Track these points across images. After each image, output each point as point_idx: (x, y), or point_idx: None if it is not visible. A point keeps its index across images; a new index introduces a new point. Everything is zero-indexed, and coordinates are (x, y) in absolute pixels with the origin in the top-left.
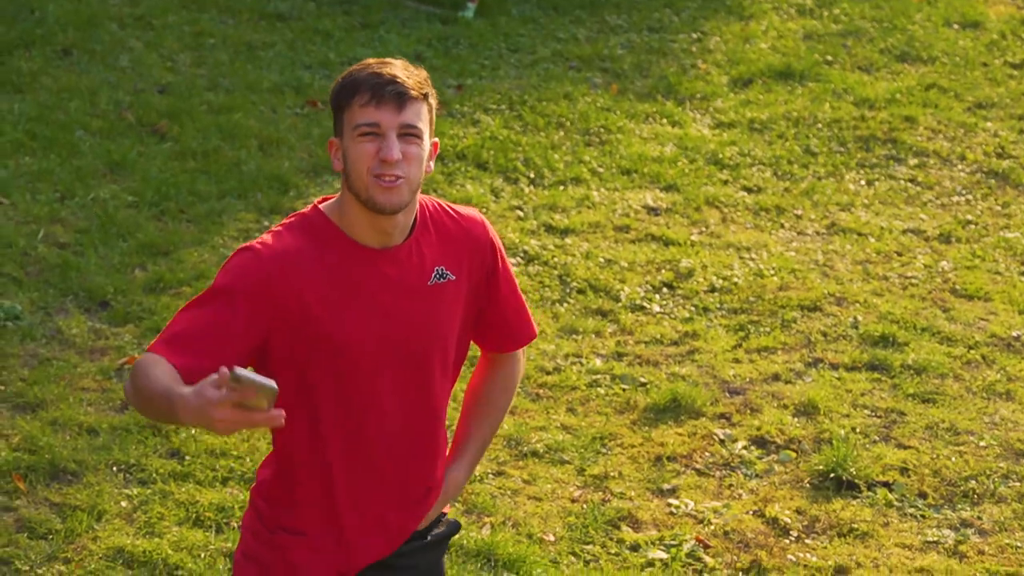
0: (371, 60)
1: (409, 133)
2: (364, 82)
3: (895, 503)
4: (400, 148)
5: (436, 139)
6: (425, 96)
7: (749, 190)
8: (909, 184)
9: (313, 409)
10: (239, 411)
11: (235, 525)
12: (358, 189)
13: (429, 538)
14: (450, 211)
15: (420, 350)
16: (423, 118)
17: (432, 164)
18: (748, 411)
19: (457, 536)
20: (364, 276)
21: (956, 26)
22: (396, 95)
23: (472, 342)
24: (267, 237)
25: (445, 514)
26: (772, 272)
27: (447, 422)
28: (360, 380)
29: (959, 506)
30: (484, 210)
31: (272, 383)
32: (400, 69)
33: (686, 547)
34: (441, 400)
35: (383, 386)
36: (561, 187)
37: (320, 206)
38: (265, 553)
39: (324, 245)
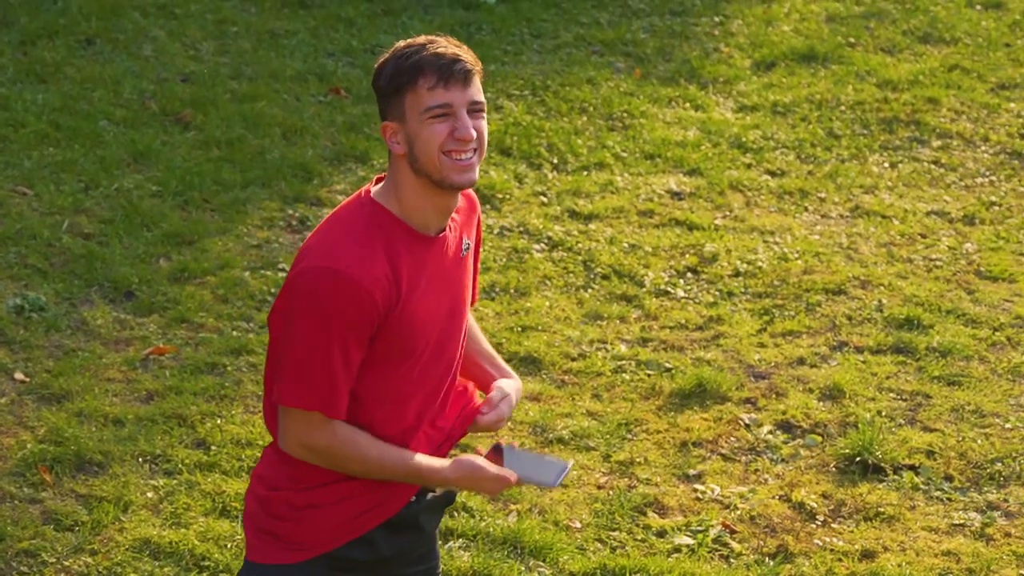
0: (418, 40)
1: (477, 109)
2: (428, 63)
3: (921, 486)
4: (472, 123)
5: None
6: (479, 70)
7: (772, 174)
8: (932, 166)
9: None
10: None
11: None
12: (430, 170)
13: (429, 497)
14: None
15: (458, 313)
16: (482, 91)
17: None
18: (773, 395)
19: (483, 524)
20: (428, 264)
21: (978, 7)
22: (463, 73)
23: None
24: (340, 248)
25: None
26: (796, 256)
27: None
28: (417, 348)
29: (985, 489)
30: (508, 196)
31: (567, 465)
32: (453, 45)
33: (712, 533)
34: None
35: (429, 348)
36: (584, 172)
37: (374, 197)
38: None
39: (392, 239)
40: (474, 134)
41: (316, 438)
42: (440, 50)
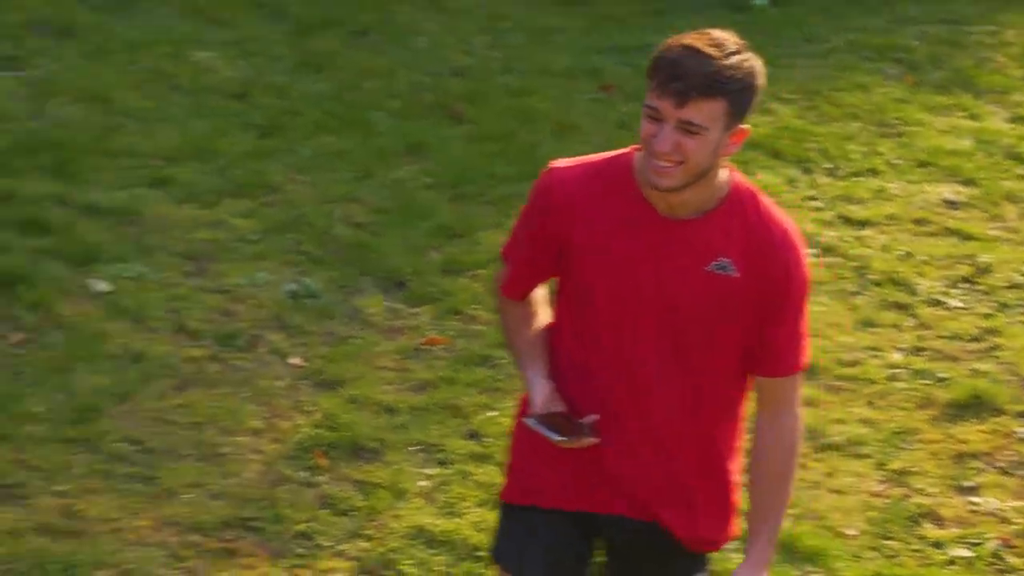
0: (685, 39)
1: (687, 129)
2: (661, 66)
3: None
4: (676, 139)
5: (745, 127)
6: (725, 92)
7: None
8: None
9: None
10: None
11: None
12: (643, 153)
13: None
14: (766, 214)
15: (678, 322)
16: (711, 114)
17: (734, 148)
18: None
19: None
20: (639, 233)
21: None
22: (677, 93)
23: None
24: (572, 163)
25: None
26: None
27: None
28: (603, 324)
29: None
30: (778, 200)
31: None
32: (704, 60)
33: (989, 546)
34: (712, 382)
35: (632, 339)
36: (856, 178)
37: (636, 154)
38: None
39: (613, 191)
40: (665, 149)
41: (496, 298)
42: (682, 59)
